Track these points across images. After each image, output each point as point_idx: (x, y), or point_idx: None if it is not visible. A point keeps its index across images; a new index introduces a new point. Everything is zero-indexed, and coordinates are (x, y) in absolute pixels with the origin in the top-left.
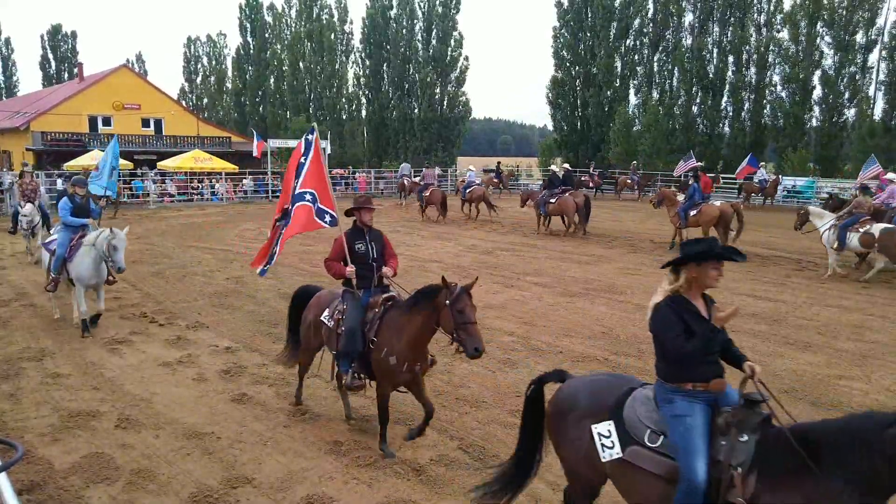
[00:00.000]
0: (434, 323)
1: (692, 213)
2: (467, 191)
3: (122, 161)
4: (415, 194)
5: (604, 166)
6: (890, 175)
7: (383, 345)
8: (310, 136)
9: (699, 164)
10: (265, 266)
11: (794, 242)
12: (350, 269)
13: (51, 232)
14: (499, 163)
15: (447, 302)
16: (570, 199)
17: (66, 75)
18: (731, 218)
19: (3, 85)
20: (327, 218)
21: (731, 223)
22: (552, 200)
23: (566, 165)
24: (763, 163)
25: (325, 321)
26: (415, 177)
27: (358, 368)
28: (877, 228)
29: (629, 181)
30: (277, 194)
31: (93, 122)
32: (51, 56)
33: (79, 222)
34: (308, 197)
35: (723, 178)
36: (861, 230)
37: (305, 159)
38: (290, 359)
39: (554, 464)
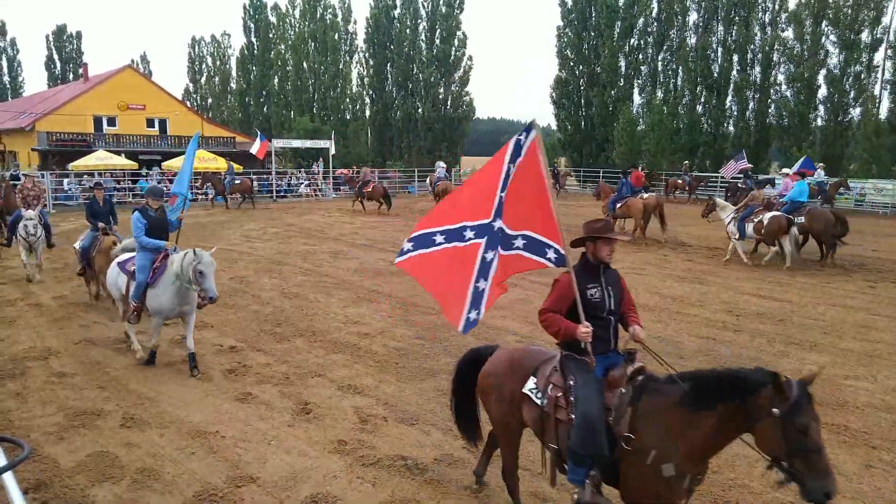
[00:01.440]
0: (739, 429)
1: (619, 205)
2: (436, 185)
3: (127, 161)
4: (354, 190)
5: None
6: (786, 170)
7: (650, 447)
8: (522, 137)
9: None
10: (468, 319)
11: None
12: (586, 330)
13: (50, 246)
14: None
15: (776, 411)
16: (638, 202)
17: (72, 76)
18: (654, 210)
19: (8, 85)
20: (550, 254)
21: (656, 213)
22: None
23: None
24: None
25: (533, 396)
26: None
27: (600, 478)
28: (766, 217)
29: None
30: (282, 193)
31: (98, 122)
32: (56, 56)
33: (156, 245)
34: (518, 243)
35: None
36: (755, 220)
37: (513, 165)
38: (473, 441)
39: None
